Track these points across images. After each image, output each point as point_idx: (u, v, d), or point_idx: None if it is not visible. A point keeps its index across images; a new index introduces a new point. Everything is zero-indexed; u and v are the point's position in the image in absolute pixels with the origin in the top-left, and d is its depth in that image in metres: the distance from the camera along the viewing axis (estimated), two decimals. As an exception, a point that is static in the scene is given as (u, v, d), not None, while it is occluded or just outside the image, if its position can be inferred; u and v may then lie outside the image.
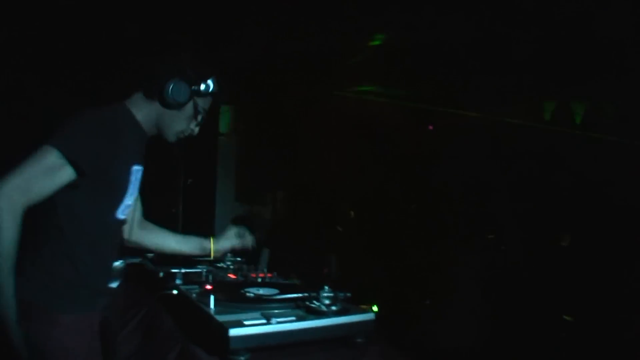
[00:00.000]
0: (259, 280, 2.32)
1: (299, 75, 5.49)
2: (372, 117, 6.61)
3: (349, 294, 1.81)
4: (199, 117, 1.94)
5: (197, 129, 1.98)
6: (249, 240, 2.43)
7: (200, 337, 1.74)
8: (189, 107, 1.88)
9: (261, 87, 5.42)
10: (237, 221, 5.39)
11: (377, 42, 4.69)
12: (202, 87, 1.87)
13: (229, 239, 2.41)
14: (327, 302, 1.72)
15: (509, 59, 4.87)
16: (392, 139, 6.64)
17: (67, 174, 1.64)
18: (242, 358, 1.56)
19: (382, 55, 4.96)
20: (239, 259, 2.64)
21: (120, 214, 1.88)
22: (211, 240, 2.36)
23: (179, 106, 1.85)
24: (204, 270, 2.28)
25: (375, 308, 1.77)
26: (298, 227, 5.02)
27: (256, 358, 1.61)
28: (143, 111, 1.87)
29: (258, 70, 5.15)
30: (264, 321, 1.61)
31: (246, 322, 1.58)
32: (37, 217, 1.72)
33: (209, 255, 2.34)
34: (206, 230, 5.25)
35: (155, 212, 4.26)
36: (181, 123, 1.91)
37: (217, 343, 1.59)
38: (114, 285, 1.98)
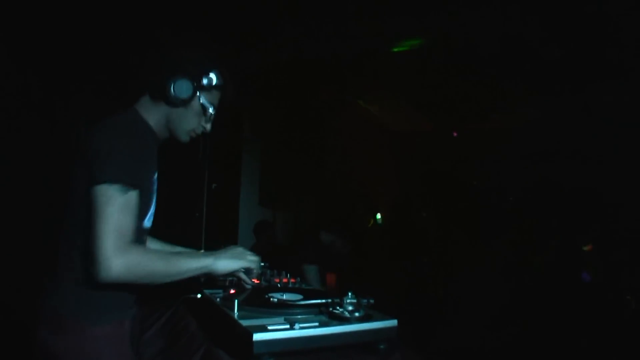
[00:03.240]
0: (283, 285, 2.33)
1: (325, 81, 5.51)
2: (397, 123, 6.63)
3: (372, 300, 1.81)
4: (209, 113, 1.91)
5: (209, 126, 1.95)
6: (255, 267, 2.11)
7: (224, 340, 1.75)
8: (196, 104, 1.86)
9: (287, 91, 5.45)
10: (260, 226, 5.45)
11: (402, 49, 4.70)
12: (205, 81, 1.84)
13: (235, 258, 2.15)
14: (350, 308, 1.72)
15: (536, 62, 4.86)
16: (416, 146, 6.64)
17: (135, 197, 1.68)
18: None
19: (408, 61, 4.97)
20: (263, 263, 2.65)
21: (147, 222, 1.89)
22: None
23: (185, 103, 1.83)
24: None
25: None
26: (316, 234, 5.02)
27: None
28: (153, 114, 1.86)
29: (284, 74, 5.18)
30: (287, 326, 1.62)
31: (270, 327, 1.59)
32: (70, 231, 1.75)
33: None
34: (229, 235, 5.31)
35: (179, 216, 4.31)
36: (191, 121, 1.89)
37: (241, 347, 1.60)
38: None
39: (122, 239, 1.60)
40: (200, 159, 4.72)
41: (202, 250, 2.11)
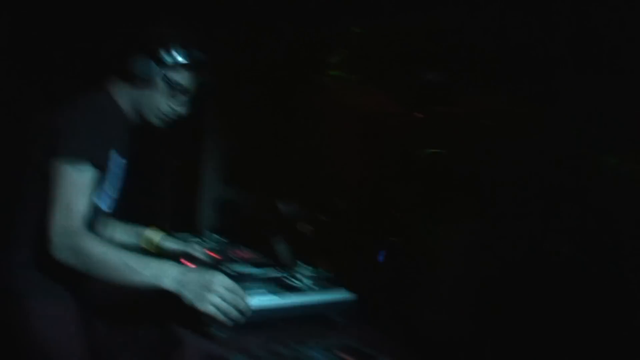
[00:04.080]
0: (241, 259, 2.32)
1: (293, 60, 5.47)
2: (364, 103, 6.62)
3: (329, 273, 1.82)
4: (178, 94, 1.83)
5: (181, 108, 1.87)
6: (198, 252, 2.18)
7: (179, 313, 1.74)
8: (161, 83, 1.78)
9: (254, 69, 5.40)
10: (225, 205, 5.41)
11: (365, 29, 4.68)
12: (168, 58, 1.75)
13: (179, 242, 2.23)
14: (305, 280, 1.73)
15: (505, 46, 4.89)
16: (383, 127, 6.66)
17: (92, 176, 1.62)
18: (220, 333, 1.57)
19: (374, 40, 4.96)
20: (220, 237, 2.64)
21: (104, 205, 1.82)
22: (150, 230, 2.24)
23: (147, 82, 1.76)
24: (186, 248, 2.24)
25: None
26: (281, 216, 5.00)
27: (235, 333, 1.62)
28: (124, 96, 1.81)
29: (251, 52, 5.13)
30: (243, 298, 1.61)
31: (225, 299, 1.58)
32: (22, 205, 1.71)
33: (147, 245, 2.20)
34: (194, 213, 5.26)
35: (142, 194, 4.25)
36: (158, 102, 1.81)
37: (196, 320, 1.59)
38: None
39: (70, 220, 1.54)
40: (161, 136, 4.66)
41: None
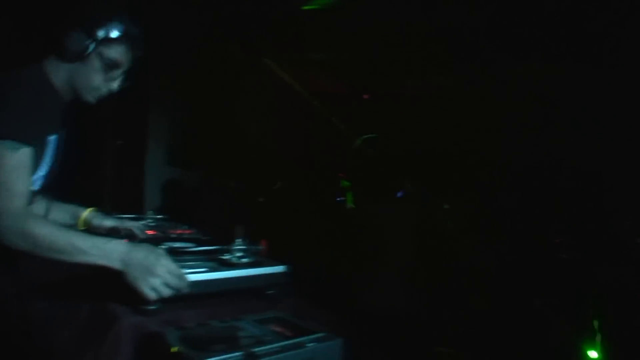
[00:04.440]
0: (179, 236, 2.32)
1: (237, 39, 5.44)
2: (307, 84, 6.64)
3: (261, 247, 1.85)
4: (113, 70, 1.82)
5: (115, 85, 1.86)
6: (136, 230, 2.18)
7: (113, 289, 1.74)
8: (95, 59, 1.77)
9: (197, 50, 5.35)
10: (168, 186, 5.38)
11: (312, 7, 4.69)
12: (102, 33, 1.74)
13: (113, 220, 2.21)
14: (239, 254, 1.75)
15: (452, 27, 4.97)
16: (328, 108, 6.70)
17: (29, 156, 1.60)
18: (153, 307, 1.58)
19: (318, 21, 4.97)
20: (160, 216, 2.63)
21: (35, 184, 1.81)
22: (87, 210, 2.21)
23: (80, 57, 1.74)
24: (122, 226, 2.23)
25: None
26: (224, 197, 5.04)
27: (168, 308, 1.64)
28: (58, 72, 1.79)
29: (195, 31, 5.08)
30: (175, 272, 1.63)
31: (157, 273, 1.59)
32: None
33: (80, 224, 2.17)
34: (136, 194, 5.21)
35: (82, 175, 4.19)
36: (93, 78, 1.80)
37: (129, 294, 1.60)
38: None
39: (9, 200, 1.54)
40: (104, 114, 4.59)
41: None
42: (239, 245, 1.77)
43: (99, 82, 1.82)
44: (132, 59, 1.88)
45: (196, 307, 1.69)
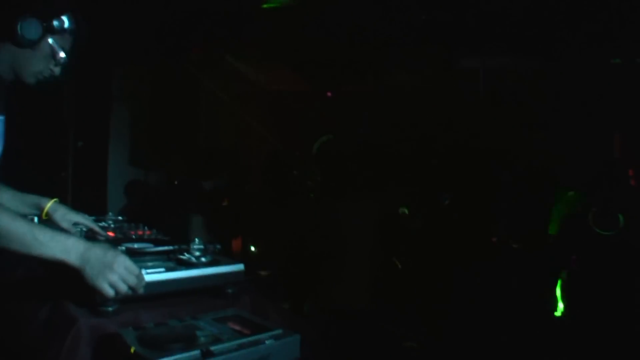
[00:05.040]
0: (138, 237, 2.33)
1: (197, 38, 5.43)
2: (270, 82, 6.66)
3: (218, 246, 1.87)
4: (58, 57, 1.85)
5: (57, 70, 1.90)
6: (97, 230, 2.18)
7: (71, 291, 1.75)
8: (45, 46, 1.81)
9: (159, 50, 5.32)
10: (130, 186, 5.35)
11: (271, 5, 4.71)
12: (56, 23, 1.78)
13: (76, 214, 2.20)
14: (197, 254, 1.78)
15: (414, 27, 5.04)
16: (291, 106, 6.73)
17: None
18: (110, 308, 1.60)
19: (278, 19, 4.99)
20: (120, 217, 2.63)
21: None
22: (51, 201, 2.19)
23: (31, 44, 1.77)
24: (80, 228, 2.22)
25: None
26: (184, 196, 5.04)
27: (127, 309, 1.65)
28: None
29: (155, 30, 5.05)
30: (132, 272, 1.64)
31: (114, 274, 1.61)
32: None
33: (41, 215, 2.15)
34: (98, 195, 5.16)
35: (42, 175, 4.14)
36: (38, 63, 1.84)
37: (86, 295, 1.61)
38: None
39: None
40: (65, 115, 4.54)
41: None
42: (197, 244, 1.79)
43: (45, 68, 1.87)
44: (78, 48, 1.92)
45: (155, 307, 1.71)
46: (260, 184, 5.71)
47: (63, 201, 4.48)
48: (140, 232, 2.38)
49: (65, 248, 1.55)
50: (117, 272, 1.54)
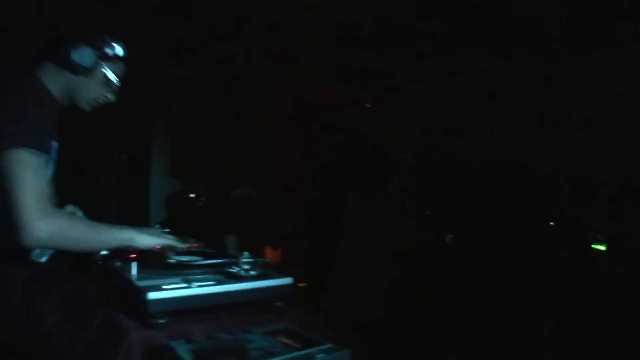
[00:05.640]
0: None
1: (238, 52, 5.48)
2: (309, 95, 6.68)
3: (267, 260, 1.88)
4: (112, 84, 1.94)
5: (112, 97, 1.98)
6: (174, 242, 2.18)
7: (122, 303, 1.77)
8: (99, 73, 1.89)
9: (199, 62, 5.39)
10: (171, 198, 5.41)
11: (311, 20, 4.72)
12: (109, 51, 1.87)
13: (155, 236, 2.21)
14: (246, 267, 1.78)
15: (449, 35, 5.00)
16: (329, 118, 6.73)
17: (45, 162, 1.68)
18: (161, 321, 1.61)
19: (316, 34, 5.01)
20: (166, 230, 2.65)
21: None
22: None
23: (87, 72, 1.85)
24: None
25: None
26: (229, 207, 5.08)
27: (177, 321, 1.66)
28: (55, 81, 1.86)
29: (196, 45, 5.12)
30: (183, 285, 1.66)
31: (165, 286, 1.63)
32: None
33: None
34: (141, 207, 5.24)
35: (87, 189, 4.22)
36: (93, 90, 1.92)
37: (138, 307, 1.63)
38: (44, 259, 1.99)
39: (43, 202, 1.61)
40: (108, 129, 4.63)
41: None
42: (245, 258, 1.80)
43: (99, 94, 1.96)
44: (130, 74, 1.98)
45: (204, 320, 1.71)
46: (293, 196, 5.73)
47: (108, 214, 4.59)
48: (188, 245, 2.40)
49: (121, 230, 1.85)
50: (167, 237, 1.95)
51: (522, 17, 4.52)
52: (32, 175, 1.61)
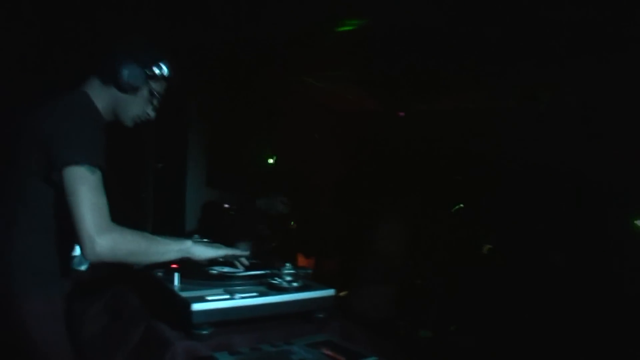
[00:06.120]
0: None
1: (271, 60, 5.50)
2: (344, 103, 6.67)
3: (309, 271, 1.87)
4: (155, 101, 1.98)
5: (153, 113, 2.01)
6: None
7: (165, 313, 1.78)
8: (144, 91, 1.92)
9: (233, 70, 5.42)
10: (207, 207, 5.44)
11: (347, 28, 4.71)
12: (156, 70, 1.90)
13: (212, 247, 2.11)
14: (288, 278, 1.77)
15: (487, 45, 4.94)
16: (363, 126, 6.71)
17: (102, 178, 1.69)
18: (204, 332, 1.61)
19: (352, 41, 4.99)
20: (205, 240, 2.66)
21: None
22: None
23: (134, 90, 1.88)
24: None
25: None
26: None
27: (220, 332, 1.66)
28: (101, 97, 1.88)
29: (229, 53, 5.15)
30: (226, 296, 1.66)
31: (208, 298, 1.63)
32: (9, 207, 1.74)
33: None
34: (177, 215, 5.28)
35: (125, 197, 4.27)
36: (137, 107, 1.95)
37: (181, 318, 1.63)
38: (83, 268, 2.02)
39: (102, 218, 1.62)
40: (145, 138, 4.68)
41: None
42: (288, 269, 1.79)
43: (142, 111, 1.98)
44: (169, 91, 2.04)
45: (246, 332, 1.71)
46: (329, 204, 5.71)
47: (144, 222, 4.62)
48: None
49: (178, 242, 1.83)
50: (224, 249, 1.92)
51: (560, 26, 4.45)
52: (92, 191, 1.63)
